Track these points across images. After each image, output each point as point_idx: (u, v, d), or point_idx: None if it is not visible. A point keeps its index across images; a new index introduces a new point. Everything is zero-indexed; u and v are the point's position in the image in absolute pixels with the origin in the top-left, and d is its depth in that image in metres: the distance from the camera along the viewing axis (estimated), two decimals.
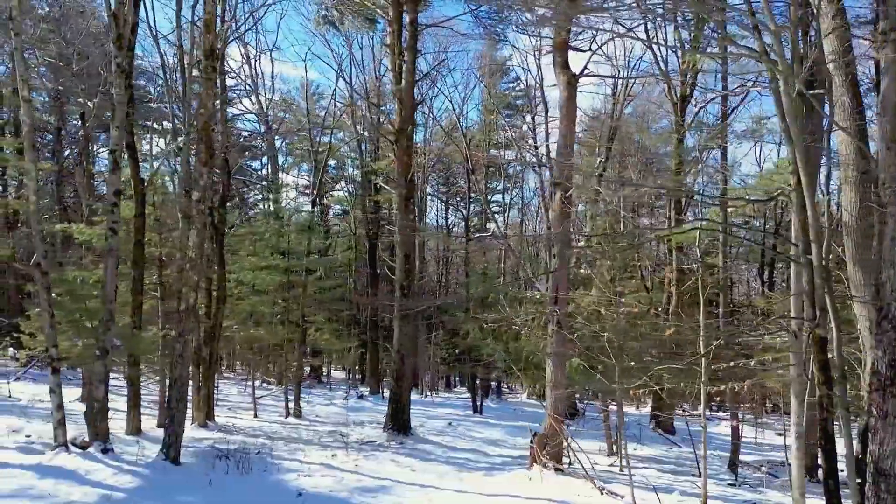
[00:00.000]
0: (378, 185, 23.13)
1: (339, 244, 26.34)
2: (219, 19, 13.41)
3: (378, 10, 14.68)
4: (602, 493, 8.71)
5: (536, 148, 21.69)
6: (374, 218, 27.62)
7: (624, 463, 11.05)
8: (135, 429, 11.39)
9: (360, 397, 23.63)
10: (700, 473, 11.39)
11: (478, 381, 21.89)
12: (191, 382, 15.84)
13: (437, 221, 34.16)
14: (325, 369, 31.19)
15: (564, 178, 10.18)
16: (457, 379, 38.53)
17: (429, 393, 29.22)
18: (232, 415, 16.09)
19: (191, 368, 14.56)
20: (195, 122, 8.45)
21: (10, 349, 18.39)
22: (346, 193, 30.11)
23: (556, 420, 9.92)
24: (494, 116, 29.46)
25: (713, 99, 18.38)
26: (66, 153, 28.59)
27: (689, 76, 16.48)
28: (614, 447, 13.04)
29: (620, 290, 9.97)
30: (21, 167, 9.41)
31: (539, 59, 19.80)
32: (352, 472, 9.71)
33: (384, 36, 14.34)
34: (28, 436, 11.40)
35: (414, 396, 27.82)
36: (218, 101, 13.85)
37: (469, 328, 13.94)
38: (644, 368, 10.05)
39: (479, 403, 22.12)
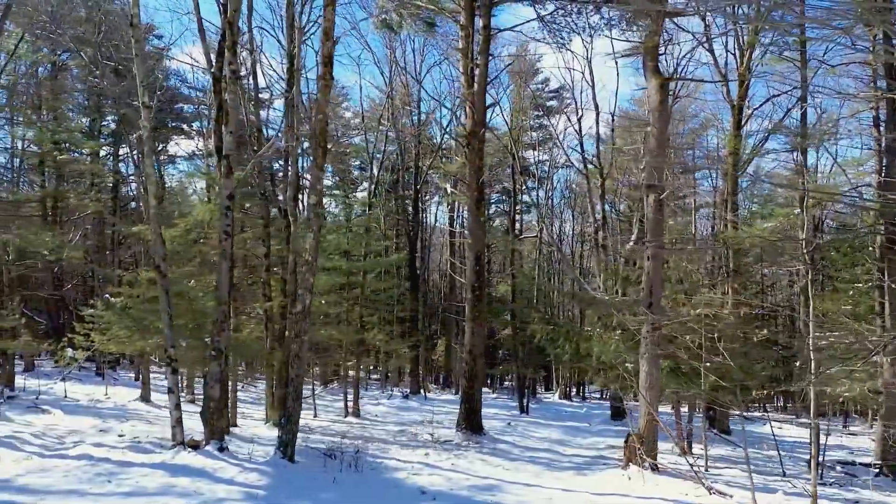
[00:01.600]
0: (447, 188, 23.31)
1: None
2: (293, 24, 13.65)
3: (447, 15, 14.82)
4: (710, 493, 8.83)
5: (582, 148, 21.81)
6: (413, 221, 27.86)
7: (702, 463, 11.26)
8: (227, 427, 11.58)
9: (405, 397, 23.86)
10: (784, 473, 11.59)
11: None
12: (264, 382, 16.10)
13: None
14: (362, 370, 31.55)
15: (657, 182, 10.30)
16: (488, 380, 38.90)
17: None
18: None
19: (264, 369, 14.88)
20: (314, 128, 8.61)
21: (69, 349, 18.60)
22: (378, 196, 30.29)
23: (651, 421, 10.05)
24: (526, 117, 29.65)
25: (766, 101, 18.55)
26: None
27: (748, 78, 16.56)
28: (686, 447, 13.20)
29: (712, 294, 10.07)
30: (145, 174, 9.57)
31: (590, 62, 19.87)
32: (452, 470, 9.86)
33: (454, 41, 14.46)
34: (121, 435, 11.64)
35: (449, 396, 28.22)
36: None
37: (537, 328, 14.10)
38: (747, 371, 10.23)
39: (525, 404, 22.31)
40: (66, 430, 11.89)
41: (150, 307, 15.13)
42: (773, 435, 12.55)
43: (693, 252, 12.46)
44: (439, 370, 35.22)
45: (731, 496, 8.79)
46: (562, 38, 15.85)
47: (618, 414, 20.86)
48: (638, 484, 9.44)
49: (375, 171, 26.35)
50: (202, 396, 16.19)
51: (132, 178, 30.77)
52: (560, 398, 32.62)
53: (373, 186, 25.00)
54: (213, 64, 11.54)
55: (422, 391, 26.14)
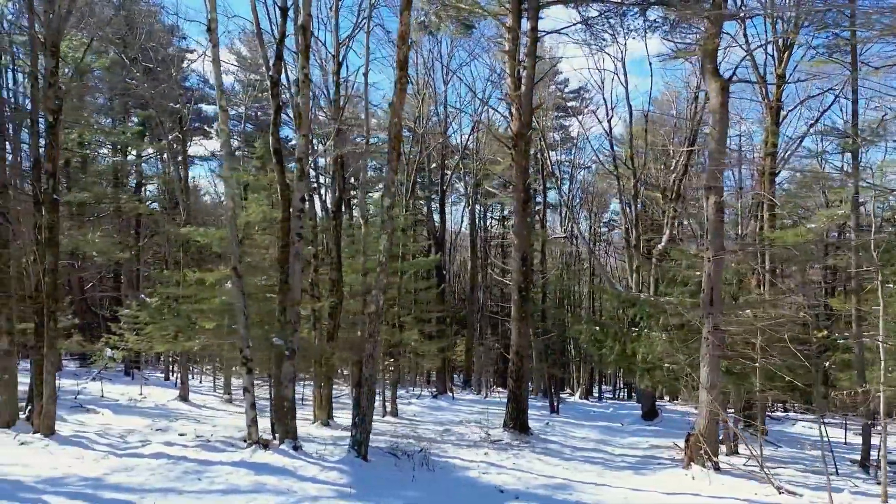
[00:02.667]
0: (487, 189, 23.46)
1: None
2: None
3: (493, 17, 14.91)
4: (780, 493, 8.91)
5: (612, 148, 21.87)
6: (440, 222, 28.02)
7: (753, 463, 11.32)
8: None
9: (434, 397, 23.99)
10: (837, 472, 11.66)
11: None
12: (312, 382, 16.18)
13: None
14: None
15: (717, 184, 10.38)
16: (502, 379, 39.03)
17: (487, 392, 29.48)
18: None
19: (312, 369, 14.98)
20: (389, 132, 8.71)
21: (108, 350, 18.74)
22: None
23: (713, 420, 10.13)
24: (546, 117, 29.73)
25: (802, 102, 18.61)
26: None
27: (785, 79, 16.63)
28: (732, 447, 13.27)
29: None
30: (222, 175, 9.65)
31: (625, 63, 19.92)
32: (517, 469, 9.95)
33: (502, 43, 14.54)
34: (182, 434, 11.75)
35: (472, 396, 28.35)
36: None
37: (581, 329, 14.18)
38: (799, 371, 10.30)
39: (556, 404, 22.42)
40: (123, 430, 12.02)
41: (194, 307, 15.28)
42: (826, 436, 12.56)
43: (747, 253, 12.53)
44: (458, 370, 35.34)
45: (802, 495, 8.88)
46: (604, 41, 15.94)
47: (649, 414, 20.95)
48: (704, 484, 9.52)
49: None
50: (240, 396, 16.32)
51: (153, 178, 31.03)
52: (580, 398, 32.75)
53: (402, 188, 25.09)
54: (272, 67, 11.66)
55: (448, 391, 26.28)
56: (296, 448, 8.96)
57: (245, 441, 10.10)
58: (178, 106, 19.75)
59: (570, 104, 33.40)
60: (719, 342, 10.18)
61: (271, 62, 11.94)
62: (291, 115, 13.87)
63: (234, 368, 21.50)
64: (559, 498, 8.18)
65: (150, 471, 8.00)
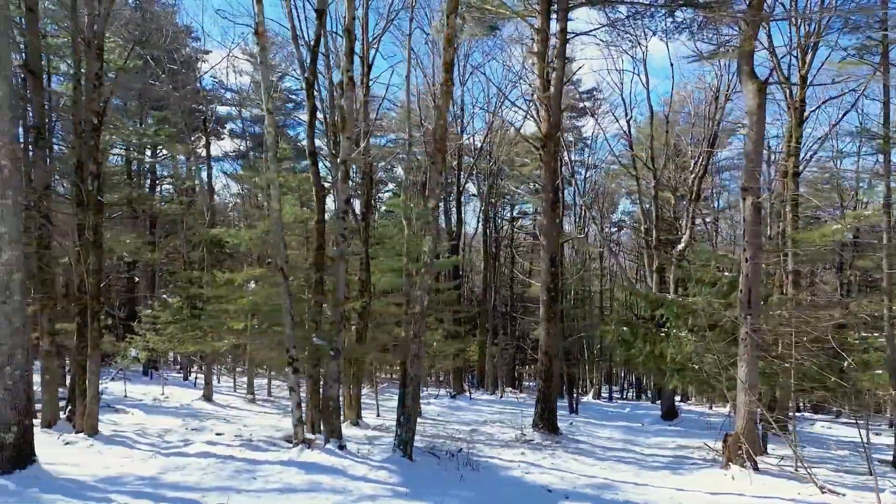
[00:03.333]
0: (508, 191, 23.53)
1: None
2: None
3: (521, 18, 14.96)
4: (823, 492, 8.94)
5: (632, 148, 21.91)
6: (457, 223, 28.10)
7: (787, 463, 11.34)
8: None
9: (452, 397, 24.05)
10: (871, 472, 11.67)
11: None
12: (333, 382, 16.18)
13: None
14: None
15: (754, 185, 10.43)
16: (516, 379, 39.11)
17: (499, 393, 29.55)
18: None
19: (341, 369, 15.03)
20: (434, 133, 8.76)
21: (132, 350, 18.84)
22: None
23: (752, 421, 10.17)
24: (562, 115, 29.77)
25: (825, 102, 18.67)
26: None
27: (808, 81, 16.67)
28: (762, 447, 13.29)
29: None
30: (267, 178, 9.73)
31: (646, 64, 19.95)
32: (557, 469, 9.99)
33: (526, 44, 14.60)
34: (219, 433, 11.82)
35: (487, 396, 28.41)
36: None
37: (608, 329, 14.22)
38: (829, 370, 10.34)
39: (576, 404, 22.48)
40: (158, 429, 12.09)
41: (221, 307, 15.36)
42: (866, 439, 12.59)
43: (783, 255, 12.56)
44: (471, 370, 35.42)
45: (844, 495, 8.91)
46: (629, 42, 15.98)
47: (669, 414, 20.98)
48: (745, 484, 9.55)
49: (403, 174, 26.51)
50: (262, 396, 16.04)
51: (168, 178, 31.16)
52: (593, 398, 32.81)
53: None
54: (306, 69, 11.74)
55: (465, 392, 26.37)
56: (341, 447, 9.02)
57: (287, 441, 10.20)
58: (200, 107, 19.84)
59: (583, 104, 33.50)
60: (757, 343, 10.22)
61: (306, 65, 12.05)
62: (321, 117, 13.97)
63: (257, 369, 21.65)
64: (608, 497, 8.23)
65: (201, 470, 8.07)
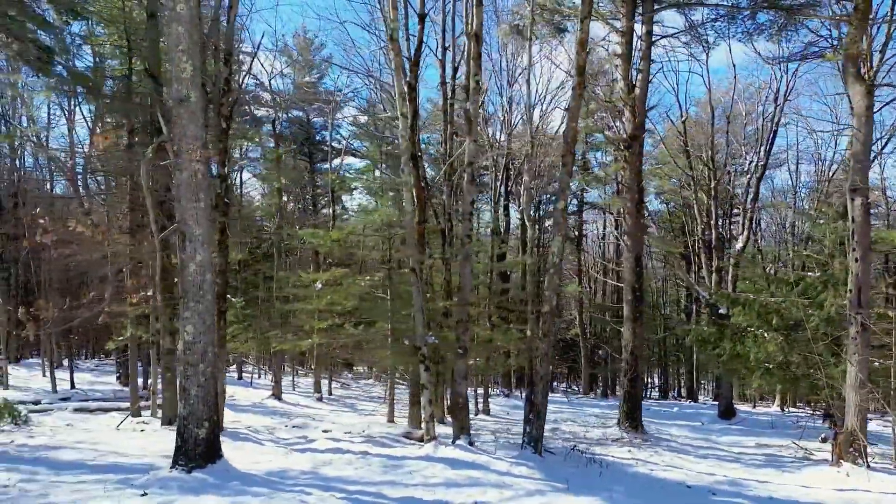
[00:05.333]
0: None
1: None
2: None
3: (602, 20, 15.11)
4: None
5: (686, 149, 22.00)
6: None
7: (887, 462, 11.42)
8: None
9: (506, 396, 24.30)
10: None
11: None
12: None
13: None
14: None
15: (863, 185, 10.54)
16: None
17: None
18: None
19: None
20: (566, 135, 8.94)
21: None
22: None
23: (863, 419, 10.28)
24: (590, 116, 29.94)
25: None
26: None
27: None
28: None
29: None
30: (401, 182, 9.94)
31: (707, 65, 20.04)
32: (672, 466, 10.11)
33: (616, 46, 14.74)
34: (326, 431, 12.01)
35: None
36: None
37: (691, 329, 14.36)
38: None
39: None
40: (262, 427, 12.33)
41: (299, 306, 15.60)
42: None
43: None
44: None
45: None
46: (706, 44, 16.11)
47: (726, 413, 21.08)
48: (863, 481, 9.65)
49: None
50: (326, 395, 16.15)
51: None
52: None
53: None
54: (408, 73, 11.94)
55: (512, 391, 26.60)
56: (471, 443, 9.21)
57: (405, 437, 10.42)
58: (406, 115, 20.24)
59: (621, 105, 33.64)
60: (867, 342, 10.33)
61: (407, 69, 12.25)
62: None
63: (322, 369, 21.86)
64: (751, 493, 8.37)
65: (348, 464, 8.27)
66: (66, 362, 23.33)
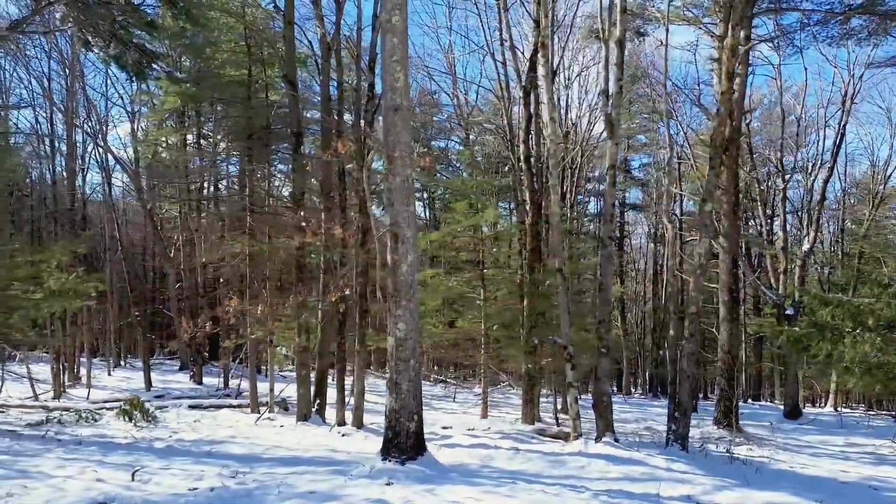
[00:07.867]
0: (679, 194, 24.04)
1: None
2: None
3: (696, 25, 15.33)
4: None
5: (751, 151, 22.14)
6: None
7: None
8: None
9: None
10: None
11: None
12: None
13: None
14: None
15: None
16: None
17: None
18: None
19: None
20: (714, 140, 9.17)
21: (281, 348, 19.46)
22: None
23: None
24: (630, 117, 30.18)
25: None
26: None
27: None
28: None
29: None
30: (550, 184, 10.18)
31: (780, 68, 20.28)
32: (801, 465, 10.33)
33: (712, 51, 14.98)
34: (446, 426, 12.28)
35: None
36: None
37: (783, 329, 14.51)
38: None
39: (695, 404, 22.76)
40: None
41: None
42: None
43: None
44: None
45: None
46: (795, 47, 16.33)
47: (792, 413, 21.20)
48: None
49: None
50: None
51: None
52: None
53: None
54: (523, 78, 12.23)
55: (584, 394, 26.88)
56: (616, 441, 9.44)
57: (539, 434, 10.68)
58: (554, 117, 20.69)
59: (662, 106, 33.83)
60: None
61: (523, 74, 12.54)
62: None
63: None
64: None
65: (509, 460, 8.50)
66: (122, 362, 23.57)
